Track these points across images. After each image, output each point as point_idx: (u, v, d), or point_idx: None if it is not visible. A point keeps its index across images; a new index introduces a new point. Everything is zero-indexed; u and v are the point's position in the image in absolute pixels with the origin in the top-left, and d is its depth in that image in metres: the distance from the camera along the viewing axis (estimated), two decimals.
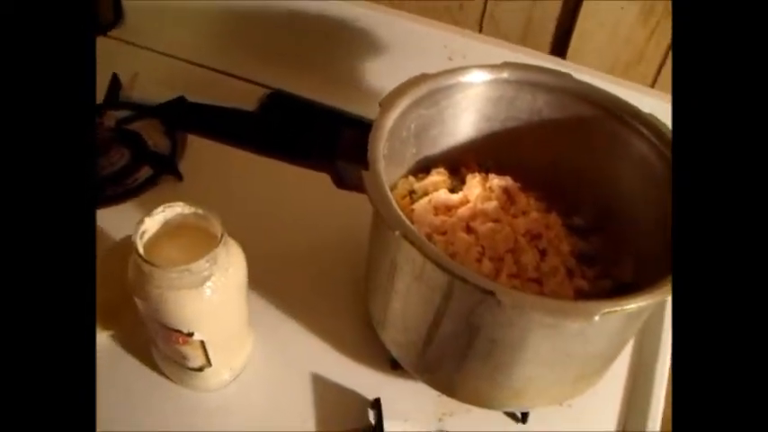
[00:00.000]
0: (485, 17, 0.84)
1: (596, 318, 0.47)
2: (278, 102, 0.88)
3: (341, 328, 0.69)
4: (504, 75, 0.65)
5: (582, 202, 0.69)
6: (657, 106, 0.78)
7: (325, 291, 0.72)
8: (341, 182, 0.58)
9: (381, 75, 0.80)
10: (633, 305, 0.49)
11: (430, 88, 0.62)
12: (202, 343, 0.58)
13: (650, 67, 0.82)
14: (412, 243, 0.49)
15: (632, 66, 0.82)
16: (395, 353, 0.63)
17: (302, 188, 0.67)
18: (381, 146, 0.56)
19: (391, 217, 0.50)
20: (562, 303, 0.49)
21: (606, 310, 0.47)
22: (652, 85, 0.83)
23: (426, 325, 0.56)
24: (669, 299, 0.74)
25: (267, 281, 0.70)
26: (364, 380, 0.66)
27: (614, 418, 0.68)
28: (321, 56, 0.90)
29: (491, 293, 0.47)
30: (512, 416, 0.66)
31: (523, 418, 0.66)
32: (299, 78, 0.89)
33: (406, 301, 0.57)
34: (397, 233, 0.50)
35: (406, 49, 0.85)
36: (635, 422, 0.67)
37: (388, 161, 0.60)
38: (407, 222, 0.51)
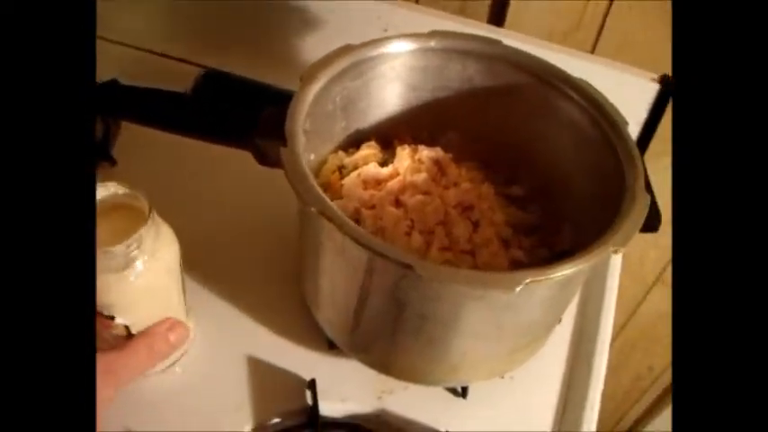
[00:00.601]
0: None
1: (518, 288, 0.46)
2: (212, 81, 0.86)
3: (276, 309, 0.67)
4: (432, 44, 0.63)
5: (520, 171, 0.68)
6: (598, 72, 0.77)
7: (259, 271, 0.70)
8: (263, 159, 0.56)
9: (317, 49, 0.77)
10: (558, 274, 0.48)
11: (354, 59, 0.60)
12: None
13: (589, 34, 0.80)
14: (329, 219, 0.48)
15: (571, 33, 0.81)
16: (329, 332, 0.62)
17: (230, 168, 0.65)
18: (301, 121, 0.54)
19: (308, 194, 0.49)
20: (483, 275, 0.48)
21: (529, 279, 0.46)
22: (592, 51, 0.82)
23: (354, 302, 0.54)
24: (611, 261, 0.75)
25: (200, 264, 0.68)
26: (301, 361, 0.65)
27: (557, 389, 0.67)
28: (255, 33, 0.87)
29: (410, 267, 0.45)
30: (452, 391, 0.65)
31: (463, 392, 0.65)
32: (234, 57, 0.87)
33: (332, 279, 0.56)
34: (313, 210, 0.48)
35: (340, 22, 0.83)
36: (576, 392, 0.66)
37: (315, 136, 0.59)
38: (325, 199, 0.49)
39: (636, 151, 0.57)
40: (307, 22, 0.85)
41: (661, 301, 1.04)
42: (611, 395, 1.24)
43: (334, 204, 0.49)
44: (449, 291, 0.49)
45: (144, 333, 0.56)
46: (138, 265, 0.53)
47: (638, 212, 0.52)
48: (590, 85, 0.62)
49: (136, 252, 0.53)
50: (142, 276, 0.54)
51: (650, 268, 1.00)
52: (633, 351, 1.14)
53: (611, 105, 0.60)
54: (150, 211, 0.53)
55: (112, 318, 0.54)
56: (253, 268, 0.70)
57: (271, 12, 0.86)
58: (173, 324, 0.58)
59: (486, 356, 0.57)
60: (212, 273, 0.69)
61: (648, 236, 0.94)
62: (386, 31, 0.81)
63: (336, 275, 0.55)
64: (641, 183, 0.54)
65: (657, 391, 1.20)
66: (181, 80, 0.86)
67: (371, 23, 0.81)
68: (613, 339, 1.10)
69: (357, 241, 0.47)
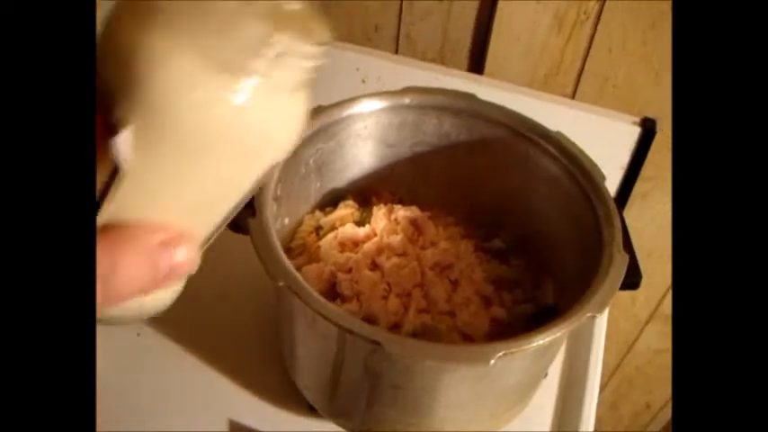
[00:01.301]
0: (400, 37, 0.82)
1: (492, 361, 0.45)
2: None
3: (258, 373, 0.67)
4: (406, 100, 0.63)
5: (501, 225, 0.68)
6: (578, 117, 0.77)
7: (240, 335, 0.69)
8: (235, 227, 0.55)
9: None
10: (533, 344, 0.47)
11: (325, 121, 0.60)
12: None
13: (569, 77, 0.80)
14: (296, 294, 0.47)
15: (551, 77, 0.80)
16: (308, 397, 0.61)
17: None
18: (271, 189, 0.54)
19: (274, 267, 0.48)
20: (454, 349, 0.47)
21: (502, 352, 0.45)
22: (572, 96, 0.81)
23: (329, 371, 0.54)
24: (596, 321, 0.74)
25: (181, 327, 0.68)
26: (283, 424, 0.64)
27: None
28: None
29: (378, 344, 0.45)
30: None
31: None
32: None
33: (307, 348, 0.55)
34: (281, 284, 0.47)
35: (319, 73, 0.82)
36: None
37: (288, 200, 0.58)
38: (293, 273, 0.48)
39: (614, 209, 0.56)
40: None
41: (655, 338, 1.03)
42: (612, 430, 1.23)
43: (301, 277, 0.48)
44: (418, 364, 0.48)
45: (141, 233, 0.33)
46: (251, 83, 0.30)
47: (615, 276, 0.51)
48: (567, 139, 0.61)
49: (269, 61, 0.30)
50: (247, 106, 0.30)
51: (642, 306, 0.99)
52: (630, 389, 1.13)
53: (589, 159, 0.59)
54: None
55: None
56: (234, 332, 0.70)
57: None
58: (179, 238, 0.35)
59: (467, 422, 0.56)
60: (193, 337, 0.69)
61: None
62: (364, 81, 0.80)
63: (310, 345, 0.54)
64: (618, 242, 0.53)
65: (657, 428, 1.18)
66: None
67: (350, 74, 0.81)
68: (610, 377, 1.09)
69: (325, 317, 0.46)
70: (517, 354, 0.47)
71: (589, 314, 0.49)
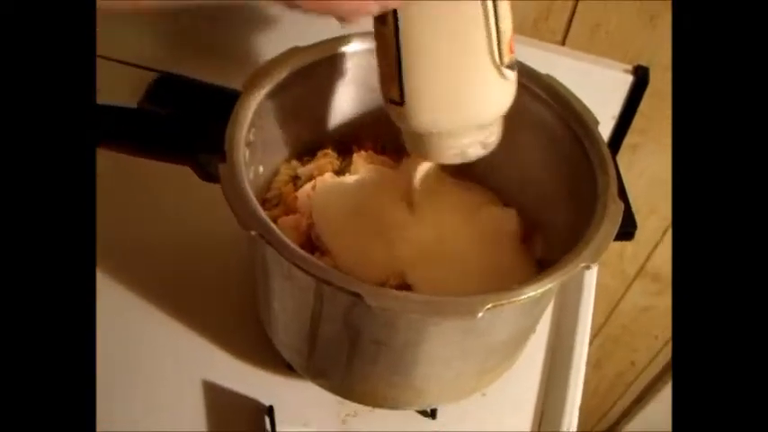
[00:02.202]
0: None
1: (480, 314, 0.42)
2: (166, 86, 0.80)
3: (233, 331, 0.64)
4: None
5: (489, 175, 0.64)
6: (568, 64, 0.73)
7: (215, 292, 0.66)
8: (206, 175, 0.52)
9: (271, 49, 0.74)
10: (523, 296, 0.44)
11: (303, 63, 0.56)
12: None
13: (559, 22, 0.76)
14: (269, 244, 0.44)
15: (540, 21, 0.77)
16: (285, 355, 0.58)
17: (182, 184, 0.61)
18: (243, 133, 0.50)
19: (246, 215, 0.45)
20: (439, 301, 0.43)
21: (491, 304, 0.42)
22: (562, 42, 0.77)
23: (307, 328, 0.51)
24: (586, 273, 0.71)
25: (153, 285, 0.64)
26: (260, 385, 0.61)
27: (532, 403, 0.64)
28: (210, 34, 0.83)
29: (358, 296, 0.41)
30: (421, 411, 0.61)
31: (432, 413, 0.61)
32: (189, 60, 0.82)
33: (283, 303, 0.52)
34: (253, 233, 0.44)
35: (298, 19, 0.78)
36: (553, 406, 0.63)
37: (263, 146, 0.55)
38: (266, 221, 0.45)
39: (608, 155, 0.53)
40: (264, 20, 0.80)
41: (642, 295, 1.01)
42: (594, 391, 1.22)
43: (274, 226, 0.45)
44: (403, 318, 0.45)
45: None
46: None
47: (610, 225, 0.48)
48: (559, 83, 0.58)
49: None
50: None
51: (629, 263, 0.96)
52: (615, 347, 1.11)
53: (581, 104, 0.56)
54: None
55: None
56: (206, 288, 0.66)
57: (228, 11, 0.81)
58: None
59: (453, 379, 0.54)
60: (166, 294, 0.65)
61: None
62: (342, 26, 0.76)
63: (287, 300, 0.51)
64: (614, 190, 0.51)
65: (641, 386, 1.17)
66: (129, 86, 0.81)
67: (329, 20, 0.76)
68: (594, 335, 1.08)
69: (301, 268, 0.43)
70: (507, 306, 0.44)
71: (583, 264, 0.46)
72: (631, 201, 0.89)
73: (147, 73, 0.83)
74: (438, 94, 0.42)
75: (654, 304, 1.02)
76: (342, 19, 0.39)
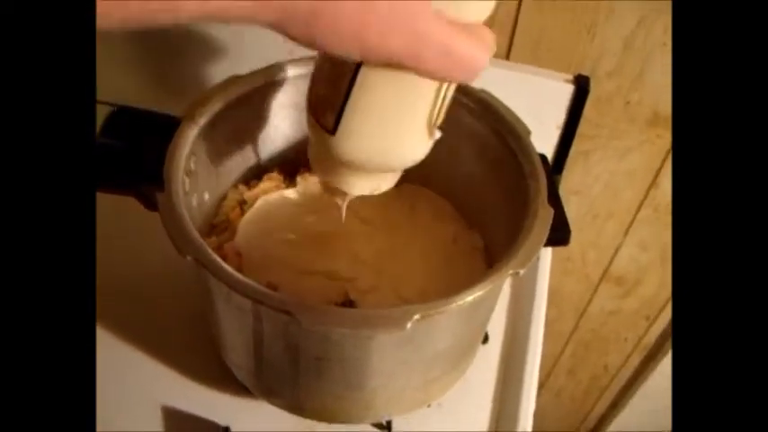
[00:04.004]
0: None
1: (408, 325, 0.43)
2: (122, 118, 0.82)
3: (190, 355, 0.65)
4: None
5: (429, 183, 0.66)
6: (512, 77, 0.75)
7: (169, 316, 0.67)
8: (149, 204, 0.53)
9: (223, 75, 0.76)
10: (452, 305, 0.45)
11: (242, 90, 0.58)
12: None
13: (502, 36, 0.78)
14: (205, 267, 0.45)
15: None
16: (238, 375, 0.59)
17: (120, 215, 0.62)
18: (181, 162, 0.52)
19: (182, 241, 0.46)
20: (368, 314, 0.45)
21: (418, 315, 0.44)
22: (507, 56, 0.79)
23: (251, 347, 0.52)
24: (538, 271, 0.73)
25: (107, 312, 0.65)
26: (218, 406, 0.62)
27: (488, 411, 0.65)
28: (163, 64, 0.84)
29: (289, 314, 0.43)
30: (376, 424, 0.62)
31: (388, 425, 0.62)
32: (143, 91, 0.84)
33: (228, 324, 0.53)
34: (188, 258, 0.45)
35: (247, 47, 0.80)
36: (508, 414, 0.64)
37: (206, 174, 0.56)
38: (202, 245, 0.47)
39: (539, 164, 0.55)
40: (214, 48, 0.82)
41: (608, 299, 1.02)
42: (570, 396, 1.23)
43: (210, 250, 0.46)
44: (337, 333, 0.46)
45: None
46: None
47: (540, 232, 0.50)
48: (492, 96, 0.59)
49: None
50: None
51: (593, 268, 0.98)
52: (587, 352, 1.12)
53: (514, 115, 0.58)
54: None
55: None
56: (163, 315, 0.67)
57: (178, 40, 0.83)
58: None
59: (400, 391, 0.55)
60: (121, 321, 0.67)
61: (587, 236, 0.93)
62: (291, 53, 0.78)
63: (231, 321, 0.52)
64: (544, 197, 0.52)
65: (617, 389, 1.18)
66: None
67: (278, 47, 0.78)
68: (566, 343, 1.09)
69: (235, 289, 0.44)
70: (437, 316, 0.45)
71: (512, 271, 0.47)
72: (589, 206, 0.91)
73: (102, 107, 0.85)
74: (370, 136, 0.43)
75: (620, 307, 1.03)
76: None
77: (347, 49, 0.35)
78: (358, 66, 0.39)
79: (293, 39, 0.35)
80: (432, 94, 0.42)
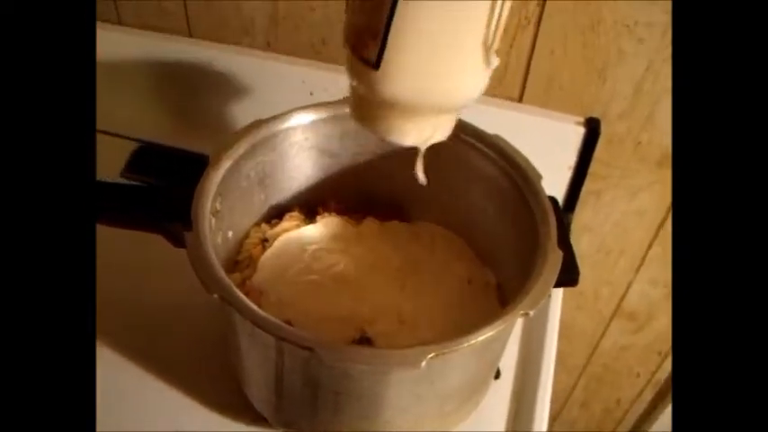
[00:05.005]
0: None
1: (423, 363, 0.45)
2: (147, 155, 0.86)
3: (209, 385, 0.67)
4: (346, 109, 0.63)
5: (446, 226, 0.69)
6: (524, 120, 0.78)
7: (191, 349, 0.69)
8: (176, 242, 0.56)
9: (246, 114, 0.79)
10: (464, 344, 0.47)
11: (264, 134, 0.61)
12: None
13: (515, 80, 0.81)
14: (230, 305, 0.48)
15: (497, 80, 0.81)
16: (257, 407, 0.61)
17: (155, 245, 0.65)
18: (208, 202, 0.54)
19: (208, 279, 0.49)
20: (385, 353, 0.47)
21: (433, 354, 0.46)
22: (520, 98, 0.82)
23: (272, 380, 0.54)
24: (549, 309, 0.75)
25: (128, 341, 0.68)
26: None
27: None
28: (184, 102, 0.88)
29: (311, 350, 0.45)
30: None
31: None
32: (166, 128, 0.88)
33: (250, 358, 0.55)
34: (214, 295, 0.48)
35: (266, 87, 0.83)
36: None
37: (230, 213, 0.59)
38: (227, 283, 0.49)
39: (549, 207, 0.57)
40: (237, 87, 0.85)
41: (620, 334, 1.03)
42: (583, 429, 1.24)
43: (235, 288, 0.49)
44: (355, 369, 0.48)
45: None
46: None
47: (550, 274, 0.52)
48: (504, 141, 0.62)
49: None
50: None
51: (605, 304, 0.99)
52: (600, 385, 1.14)
53: (524, 159, 0.60)
54: None
55: None
56: (186, 347, 0.70)
57: (201, 78, 0.86)
58: None
59: (415, 424, 0.57)
60: (141, 349, 0.69)
61: (599, 273, 0.95)
62: (312, 94, 0.81)
63: (254, 355, 0.54)
64: (553, 240, 0.54)
65: (630, 423, 1.19)
66: (112, 155, 0.85)
67: (297, 87, 0.81)
68: (579, 376, 1.10)
69: (259, 326, 0.47)
70: (450, 355, 0.47)
71: (522, 312, 0.50)
72: (600, 243, 0.93)
73: (128, 143, 0.88)
74: (421, 65, 0.38)
75: (633, 342, 1.05)
76: None
77: None
78: None
79: None
80: (487, 7, 0.37)
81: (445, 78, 0.39)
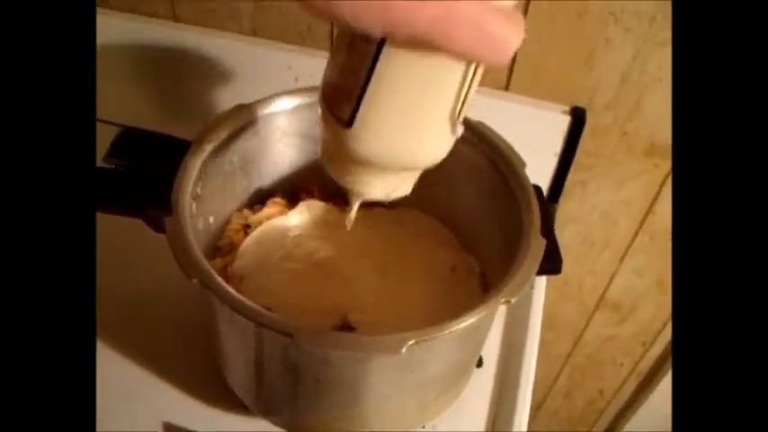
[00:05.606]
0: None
1: (403, 350, 0.45)
2: (129, 140, 0.85)
3: (190, 373, 0.66)
4: None
5: (428, 211, 0.68)
6: (512, 108, 0.77)
7: (172, 336, 0.69)
8: (157, 227, 0.55)
9: (230, 102, 0.78)
10: (445, 331, 0.47)
11: (248, 119, 0.60)
12: None
13: (502, 69, 0.80)
14: (210, 290, 0.47)
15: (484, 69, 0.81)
16: (239, 394, 0.61)
17: (125, 235, 0.64)
18: (189, 187, 0.54)
19: (187, 264, 0.48)
20: (365, 339, 0.47)
21: (413, 340, 0.46)
22: (506, 86, 0.82)
23: (252, 367, 0.54)
24: (532, 299, 0.75)
25: (112, 330, 0.67)
26: (218, 423, 0.64)
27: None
28: (168, 87, 0.87)
29: (290, 336, 0.45)
30: None
31: None
32: (149, 113, 0.87)
33: (230, 345, 0.55)
34: (194, 281, 0.47)
35: (252, 72, 0.83)
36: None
37: (212, 198, 0.58)
38: (207, 268, 0.49)
39: (533, 195, 0.57)
40: (221, 72, 0.84)
41: (604, 325, 1.04)
42: (567, 418, 1.24)
43: (215, 273, 0.48)
44: (335, 355, 0.48)
45: None
46: None
47: (532, 262, 0.52)
48: (487, 127, 0.61)
49: None
50: None
51: (589, 295, 1.00)
52: (583, 377, 1.14)
53: (509, 147, 0.60)
54: None
55: None
56: (167, 334, 0.69)
57: (185, 63, 0.85)
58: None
59: (396, 412, 0.57)
60: (124, 338, 0.68)
61: (583, 264, 0.95)
62: (297, 80, 0.80)
63: (233, 342, 0.54)
64: (537, 228, 0.54)
65: (613, 413, 1.20)
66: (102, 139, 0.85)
67: (282, 73, 0.81)
68: (562, 366, 1.10)
69: (238, 311, 0.46)
70: (431, 342, 0.47)
71: (504, 299, 0.49)
72: (586, 234, 0.93)
73: (111, 128, 0.87)
74: (391, 128, 0.40)
75: (616, 333, 1.05)
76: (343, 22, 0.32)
77: (370, 21, 0.31)
78: (378, 50, 0.36)
79: (309, 9, 0.33)
80: (457, 83, 0.39)
81: (414, 140, 0.41)
